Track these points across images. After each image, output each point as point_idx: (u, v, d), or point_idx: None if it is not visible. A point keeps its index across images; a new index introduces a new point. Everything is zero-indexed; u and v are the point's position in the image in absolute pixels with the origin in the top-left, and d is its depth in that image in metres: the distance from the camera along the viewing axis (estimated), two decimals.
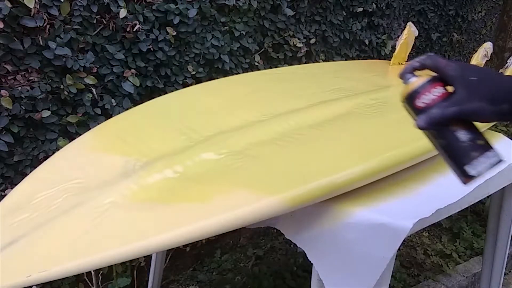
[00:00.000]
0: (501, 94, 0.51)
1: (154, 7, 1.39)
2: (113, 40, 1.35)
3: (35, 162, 1.27)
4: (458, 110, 0.51)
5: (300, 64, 1.88)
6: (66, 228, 0.58)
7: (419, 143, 0.80)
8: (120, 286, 1.50)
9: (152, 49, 1.41)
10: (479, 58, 1.39)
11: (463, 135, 0.53)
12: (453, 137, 0.53)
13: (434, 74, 0.56)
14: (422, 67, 0.57)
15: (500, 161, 0.53)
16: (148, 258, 1.58)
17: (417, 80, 0.56)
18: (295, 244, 0.74)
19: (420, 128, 0.54)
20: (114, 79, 1.37)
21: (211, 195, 0.64)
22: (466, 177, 0.53)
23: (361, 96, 1.04)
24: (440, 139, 0.55)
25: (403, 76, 0.58)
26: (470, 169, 0.53)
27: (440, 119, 0.52)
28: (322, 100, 0.99)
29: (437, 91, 0.54)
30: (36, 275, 0.51)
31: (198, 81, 1.56)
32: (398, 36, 1.75)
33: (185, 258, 1.88)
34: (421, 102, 0.55)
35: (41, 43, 1.19)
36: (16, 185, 0.69)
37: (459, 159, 0.54)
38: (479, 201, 0.98)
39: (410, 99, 0.57)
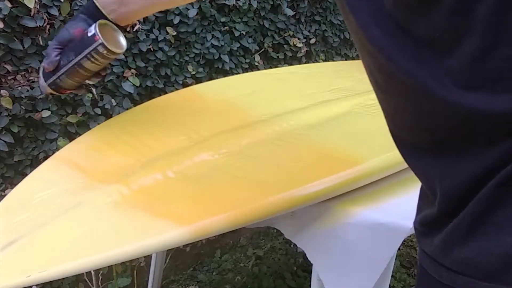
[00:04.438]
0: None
1: None
2: None
3: (35, 162, 1.27)
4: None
5: (300, 64, 1.88)
6: (66, 228, 0.59)
7: None
8: (120, 286, 1.50)
9: (152, 49, 1.41)
10: None
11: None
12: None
13: None
14: None
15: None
16: (148, 258, 1.58)
17: None
18: (295, 244, 0.74)
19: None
20: (114, 79, 1.37)
21: (211, 195, 0.64)
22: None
23: (361, 96, 1.04)
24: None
25: None
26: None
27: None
28: (322, 100, 0.99)
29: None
30: (36, 275, 0.51)
31: (198, 81, 1.56)
32: None
33: (185, 258, 1.88)
34: None
35: (41, 43, 1.19)
36: (16, 185, 0.69)
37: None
38: None
39: None
